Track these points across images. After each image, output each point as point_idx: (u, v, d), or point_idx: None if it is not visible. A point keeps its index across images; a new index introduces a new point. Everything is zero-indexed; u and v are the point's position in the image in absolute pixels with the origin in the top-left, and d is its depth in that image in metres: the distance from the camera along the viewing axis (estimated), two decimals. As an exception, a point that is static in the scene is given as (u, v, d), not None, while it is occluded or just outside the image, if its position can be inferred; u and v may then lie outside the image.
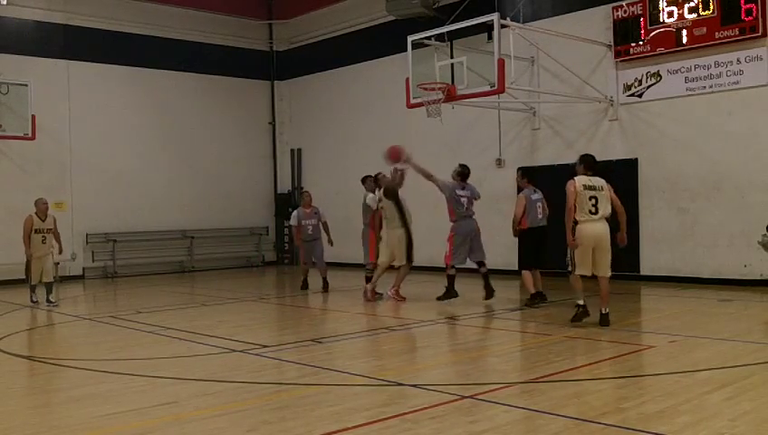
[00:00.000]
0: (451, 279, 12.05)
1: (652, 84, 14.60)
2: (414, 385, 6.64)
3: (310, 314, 12.38)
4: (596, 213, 9.36)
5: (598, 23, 15.16)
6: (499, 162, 16.83)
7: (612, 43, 14.94)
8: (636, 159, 14.86)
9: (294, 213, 14.76)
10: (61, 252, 13.75)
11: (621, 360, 7.65)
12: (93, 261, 19.22)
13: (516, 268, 15.90)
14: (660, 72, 14.46)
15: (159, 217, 20.18)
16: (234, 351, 8.63)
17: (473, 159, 16.22)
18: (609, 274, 9.67)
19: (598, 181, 9.48)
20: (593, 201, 9.33)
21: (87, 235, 19.03)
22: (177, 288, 16.76)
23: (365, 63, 20.05)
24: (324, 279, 14.36)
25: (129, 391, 6.90)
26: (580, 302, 9.59)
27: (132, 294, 15.46)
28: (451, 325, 10.18)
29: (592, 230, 9.35)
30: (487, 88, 13.18)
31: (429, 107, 13.70)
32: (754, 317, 10.71)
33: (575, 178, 9.47)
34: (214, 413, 6.00)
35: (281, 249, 22.68)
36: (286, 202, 22.34)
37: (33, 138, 17.28)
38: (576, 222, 9.35)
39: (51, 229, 13.21)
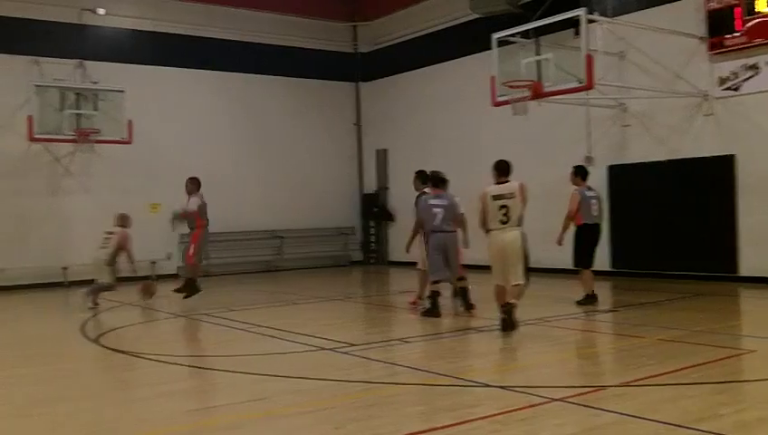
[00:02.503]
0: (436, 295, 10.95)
1: (749, 77, 14.03)
2: (502, 387, 6.58)
3: (396, 314, 12.41)
4: (507, 222, 9.35)
5: (689, 14, 14.69)
6: (588, 160, 16.50)
7: (705, 35, 14.47)
8: (732, 156, 14.32)
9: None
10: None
11: (718, 364, 7.37)
12: (186, 260, 19.73)
13: (609, 269, 15.78)
14: (758, 65, 13.89)
15: (249, 217, 20.56)
16: (322, 349, 8.72)
17: (560, 156, 16.02)
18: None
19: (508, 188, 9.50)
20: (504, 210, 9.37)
21: (181, 235, 19.50)
22: (267, 287, 17.06)
23: (449, 63, 19.97)
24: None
25: (220, 387, 7.07)
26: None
27: (224, 293, 15.79)
28: (540, 327, 10.04)
29: (502, 240, 9.37)
30: (575, 84, 12.99)
31: (515, 105, 13.57)
32: None
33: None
34: (302, 410, 6.07)
35: (367, 249, 22.83)
36: (372, 202, 22.49)
37: (129, 142, 17.83)
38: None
39: None
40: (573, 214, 11.55)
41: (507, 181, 9.61)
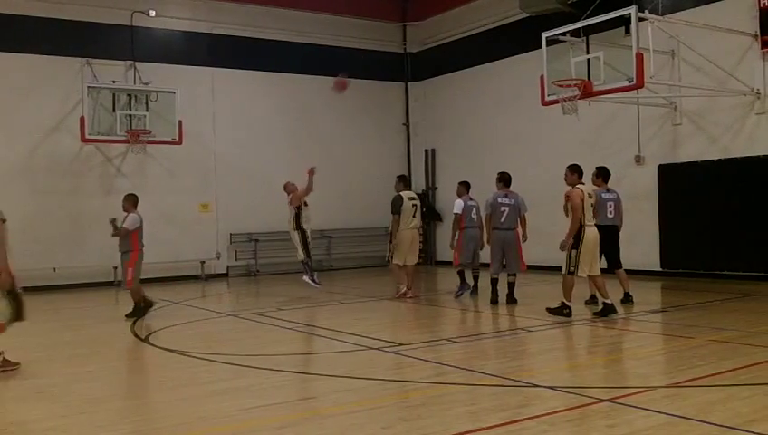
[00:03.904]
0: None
1: (804, 74, 13.76)
2: (551, 387, 6.57)
3: (444, 314, 12.43)
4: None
5: (743, 12, 14.43)
6: (638, 159, 16.32)
7: (758, 33, 14.19)
8: (786, 155, 14.05)
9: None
10: None
11: (772, 365, 7.25)
12: (237, 260, 19.99)
13: (659, 269, 15.62)
14: (813, 62, 13.61)
15: (298, 217, 20.70)
16: (370, 348, 8.79)
17: (611, 156, 15.88)
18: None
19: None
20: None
21: (231, 235, 19.82)
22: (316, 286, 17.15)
23: (498, 62, 19.90)
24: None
25: (270, 386, 7.16)
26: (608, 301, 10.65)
27: (273, 292, 15.96)
28: (589, 327, 9.99)
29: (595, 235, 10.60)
30: (625, 83, 12.87)
31: (565, 104, 13.50)
32: None
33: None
34: (351, 409, 6.13)
35: (414, 249, 22.80)
36: (420, 202, 22.44)
37: (180, 142, 18.09)
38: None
39: None
40: (593, 214, 11.42)
41: (584, 184, 10.73)
